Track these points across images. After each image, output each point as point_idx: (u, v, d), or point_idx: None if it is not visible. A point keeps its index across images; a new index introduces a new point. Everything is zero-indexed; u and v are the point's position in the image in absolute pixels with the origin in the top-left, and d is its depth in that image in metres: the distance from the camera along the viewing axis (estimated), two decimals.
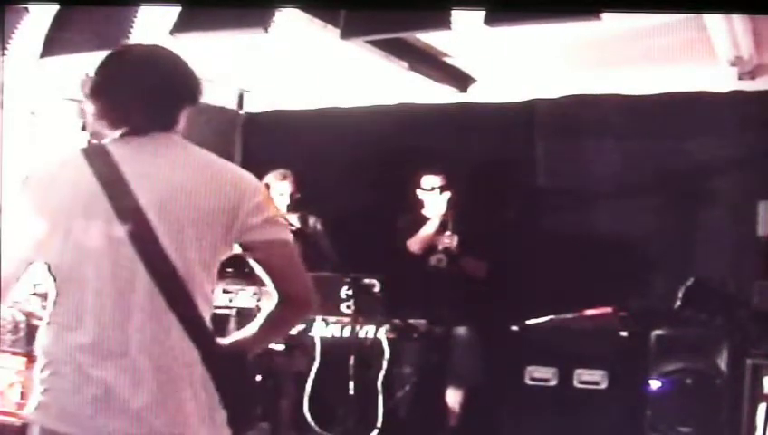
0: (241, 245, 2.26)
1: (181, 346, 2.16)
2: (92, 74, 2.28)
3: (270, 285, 2.30)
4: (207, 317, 2.22)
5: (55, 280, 2.20)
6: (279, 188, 5.49)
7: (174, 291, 2.15)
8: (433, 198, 5.52)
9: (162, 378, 2.14)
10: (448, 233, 5.39)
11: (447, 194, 5.46)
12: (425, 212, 5.58)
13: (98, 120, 2.27)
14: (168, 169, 2.20)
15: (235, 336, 2.36)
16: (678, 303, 5.26)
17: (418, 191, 5.59)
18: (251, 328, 2.35)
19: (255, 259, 2.29)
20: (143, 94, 2.24)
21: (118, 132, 2.26)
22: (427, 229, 5.47)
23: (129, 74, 2.27)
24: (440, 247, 5.46)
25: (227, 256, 2.28)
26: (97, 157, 2.22)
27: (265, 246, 2.26)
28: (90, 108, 2.27)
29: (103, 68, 2.29)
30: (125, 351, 2.13)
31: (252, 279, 4.63)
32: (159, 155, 2.22)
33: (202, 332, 2.19)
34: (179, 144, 2.27)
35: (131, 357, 2.13)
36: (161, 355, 2.14)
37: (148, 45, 2.37)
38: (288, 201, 5.50)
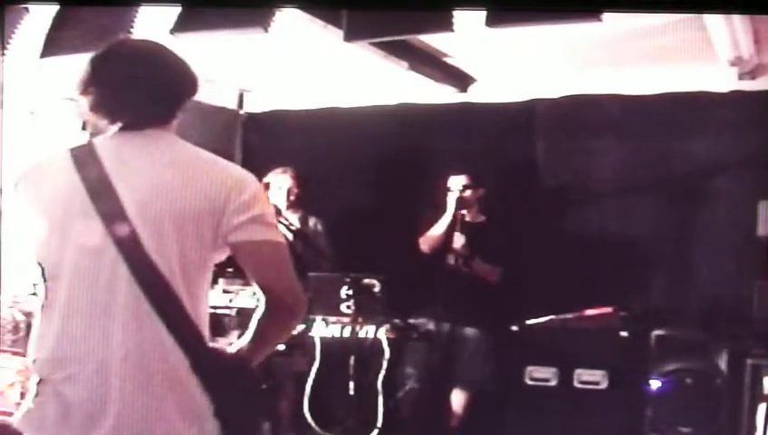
0: (228, 246, 2.17)
1: (167, 351, 2.09)
2: (87, 66, 2.24)
3: (257, 289, 2.21)
4: (202, 321, 2.15)
5: (45, 281, 2.17)
6: (278, 181, 5.49)
7: (158, 292, 2.08)
8: (452, 197, 5.46)
9: (143, 386, 2.07)
10: (457, 234, 5.37)
11: (455, 194, 5.43)
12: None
13: (92, 113, 2.23)
14: (154, 168, 2.15)
15: (236, 345, 2.27)
16: None
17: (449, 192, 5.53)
18: (247, 337, 2.26)
19: (241, 261, 2.20)
20: (140, 89, 2.21)
21: (114, 127, 2.22)
22: (437, 229, 5.45)
23: (127, 68, 2.22)
24: (452, 247, 5.41)
25: (221, 257, 2.21)
26: (83, 156, 2.19)
27: (251, 247, 2.16)
28: (84, 101, 2.23)
29: (99, 60, 2.24)
30: (104, 358, 2.07)
31: None
32: (148, 153, 2.17)
33: (191, 336, 2.11)
34: (170, 141, 2.23)
35: (111, 364, 2.07)
36: (143, 361, 2.07)
37: (145, 40, 2.33)
38: (287, 196, 5.50)
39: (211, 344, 2.20)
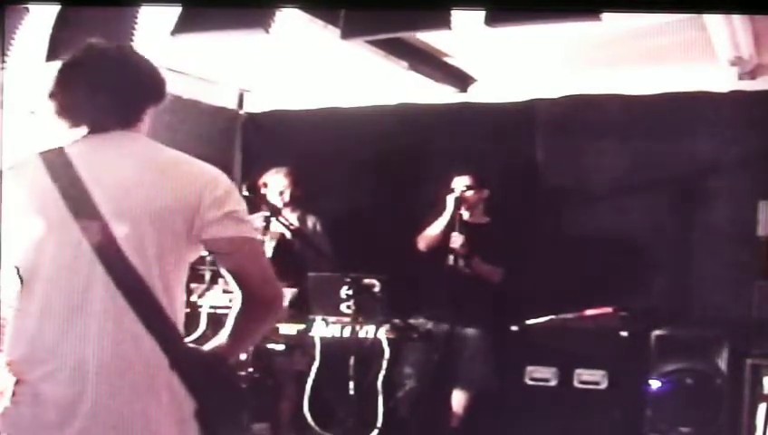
0: (203, 243, 2.18)
1: (144, 350, 2.09)
2: (54, 73, 2.26)
3: (233, 286, 2.21)
4: (178, 320, 2.15)
5: (21, 284, 2.18)
6: (276, 181, 5.49)
7: (135, 291, 2.08)
8: (451, 197, 5.46)
9: (119, 385, 2.07)
10: (455, 233, 5.36)
11: (454, 194, 5.43)
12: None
13: (58, 118, 2.25)
14: (126, 168, 2.16)
15: (212, 343, 2.27)
16: None
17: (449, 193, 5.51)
18: (225, 334, 2.25)
19: (216, 257, 2.22)
20: (105, 92, 2.22)
21: (80, 132, 2.24)
22: (434, 228, 5.44)
23: (91, 72, 2.24)
24: (451, 247, 5.40)
25: (196, 254, 2.22)
26: (54, 160, 2.20)
27: (225, 244, 2.17)
28: (50, 107, 2.25)
29: (65, 67, 2.26)
30: (81, 357, 2.07)
31: None
32: (119, 153, 2.19)
33: (169, 334, 2.11)
34: (141, 142, 2.24)
35: (88, 363, 2.06)
36: (120, 360, 2.07)
37: (112, 44, 2.33)
38: (285, 195, 5.50)
39: (188, 343, 2.22)
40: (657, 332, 5.11)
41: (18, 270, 2.18)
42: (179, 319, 2.17)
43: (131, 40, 3.72)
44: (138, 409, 2.08)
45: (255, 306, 2.23)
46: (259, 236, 2.30)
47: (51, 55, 4.01)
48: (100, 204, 2.12)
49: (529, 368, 5.20)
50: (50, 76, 2.26)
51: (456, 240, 5.33)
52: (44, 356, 2.10)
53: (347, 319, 4.87)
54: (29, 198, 2.18)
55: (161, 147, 2.25)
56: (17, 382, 2.14)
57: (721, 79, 5.27)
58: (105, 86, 2.22)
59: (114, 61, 2.26)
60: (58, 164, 2.18)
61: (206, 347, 2.26)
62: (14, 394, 2.14)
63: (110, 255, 2.09)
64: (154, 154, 2.22)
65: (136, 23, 3.76)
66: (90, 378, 2.06)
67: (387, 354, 4.87)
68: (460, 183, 5.48)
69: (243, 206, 2.24)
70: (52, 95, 2.24)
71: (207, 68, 5.84)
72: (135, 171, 2.15)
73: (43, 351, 2.10)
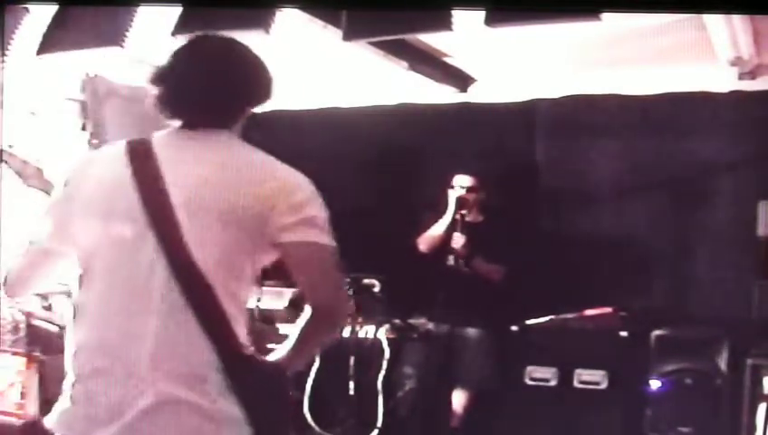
0: (275, 248, 2.10)
1: (198, 352, 2.02)
2: (167, 58, 2.19)
3: (303, 295, 2.15)
4: (238, 323, 2.07)
5: (81, 276, 2.13)
6: None
7: (196, 292, 2.02)
8: (452, 197, 5.46)
9: (170, 386, 2.01)
10: (457, 234, 5.36)
11: (456, 194, 5.43)
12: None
13: (155, 106, 2.18)
14: (207, 166, 2.10)
15: (275, 353, 2.19)
16: None
17: (449, 190, 5.51)
18: (287, 344, 2.19)
19: (288, 264, 2.12)
20: (207, 89, 2.16)
21: (175, 123, 2.18)
22: (436, 229, 5.44)
23: (193, 65, 2.18)
24: (451, 248, 5.41)
25: (268, 259, 2.14)
26: (139, 149, 2.14)
27: (295, 248, 2.10)
28: (152, 92, 2.18)
29: (173, 55, 2.19)
30: (135, 356, 2.02)
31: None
32: (204, 151, 2.13)
33: (226, 339, 2.03)
34: (228, 142, 2.18)
35: (141, 362, 2.02)
36: (172, 361, 2.01)
37: (225, 38, 2.26)
38: None
39: (247, 349, 2.11)
40: (657, 332, 5.11)
41: (77, 258, 2.14)
42: (241, 324, 2.09)
43: (127, 38, 3.72)
44: (185, 411, 2.02)
45: (318, 317, 2.16)
46: (334, 245, 2.17)
47: (42, 50, 4.01)
48: (173, 198, 2.06)
49: (529, 368, 5.21)
50: (160, 62, 2.19)
51: (458, 240, 5.33)
52: (100, 352, 2.06)
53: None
54: (102, 185, 2.12)
55: (248, 148, 2.20)
56: (70, 379, 2.11)
57: (721, 79, 5.26)
58: (208, 83, 2.17)
59: (223, 58, 2.20)
60: (141, 155, 2.13)
61: (269, 356, 2.19)
62: (68, 393, 2.10)
63: (174, 250, 2.03)
64: (238, 154, 2.16)
65: (132, 20, 3.76)
66: (142, 376, 2.01)
67: (387, 354, 4.88)
68: (461, 183, 5.48)
69: (322, 213, 2.18)
70: (154, 81, 2.18)
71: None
72: (215, 171, 2.10)
73: (97, 346, 2.07)
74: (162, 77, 2.18)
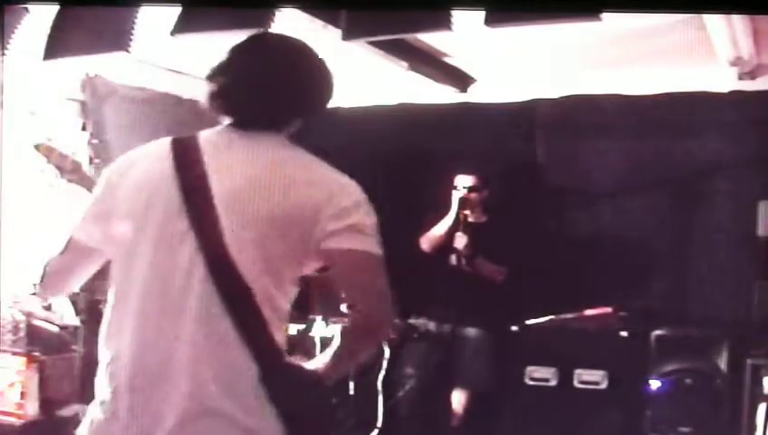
0: (320, 254, 2.03)
1: (234, 358, 1.95)
2: (225, 53, 2.16)
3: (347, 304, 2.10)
4: (278, 332, 2.01)
5: (119, 276, 2.08)
6: None
7: (235, 297, 1.94)
8: (455, 197, 5.46)
9: (207, 392, 1.94)
10: (459, 234, 5.36)
11: (459, 194, 5.43)
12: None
13: (208, 101, 2.14)
14: (254, 168, 2.04)
15: (315, 362, 2.14)
16: None
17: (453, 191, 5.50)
18: (328, 353, 2.14)
19: (333, 271, 2.06)
20: (264, 90, 2.10)
21: (225, 120, 2.14)
22: (439, 228, 5.44)
23: (250, 64, 2.13)
24: (454, 247, 5.40)
25: (312, 266, 2.08)
26: (185, 147, 2.10)
27: (340, 255, 2.03)
28: (206, 88, 2.15)
29: (232, 51, 2.15)
30: (171, 361, 1.95)
31: None
32: (252, 153, 2.07)
33: (265, 345, 1.97)
34: (277, 144, 2.11)
35: (177, 367, 1.94)
36: (209, 367, 1.94)
37: (289, 40, 2.22)
38: None
39: (286, 358, 2.06)
40: (657, 332, 5.12)
41: (116, 258, 2.09)
42: (280, 331, 2.04)
43: (131, 40, 3.72)
44: (228, 426, 1.95)
45: (361, 329, 2.11)
46: (381, 254, 2.09)
47: (49, 54, 4.01)
48: (216, 198, 2.00)
49: (529, 368, 5.21)
50: (218, 57, 2.16)
51: (460, 240, 5.34)
52: (136, 362, 1.99)
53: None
54: (144, 181, 2.07)
55: (298, 151, 2.12)
56: (108, 393, 2.03)
57: (721, 79, 5.26)
58: (266, 84, 2.11)
59: (286, 60, 2.15)
60: (187, 153, 2.08)
61: (309, 365, 2.13)
62: (101, 398, 2.04)
63: (214, 251, 1.96)
64: (286, 157, 2.09)
65: (135, 23, 3.75)
66: (178, 382, 1.95)
67: (387, 354, 4.87)
68: (463, 183, 5.48)
69: (371, 220, 2.10)
70: (211, 77, 2.14)
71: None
72: (262, 173, 2.03)
73: (134, 355, 2.00)
74: (222, 71, 2.13)
